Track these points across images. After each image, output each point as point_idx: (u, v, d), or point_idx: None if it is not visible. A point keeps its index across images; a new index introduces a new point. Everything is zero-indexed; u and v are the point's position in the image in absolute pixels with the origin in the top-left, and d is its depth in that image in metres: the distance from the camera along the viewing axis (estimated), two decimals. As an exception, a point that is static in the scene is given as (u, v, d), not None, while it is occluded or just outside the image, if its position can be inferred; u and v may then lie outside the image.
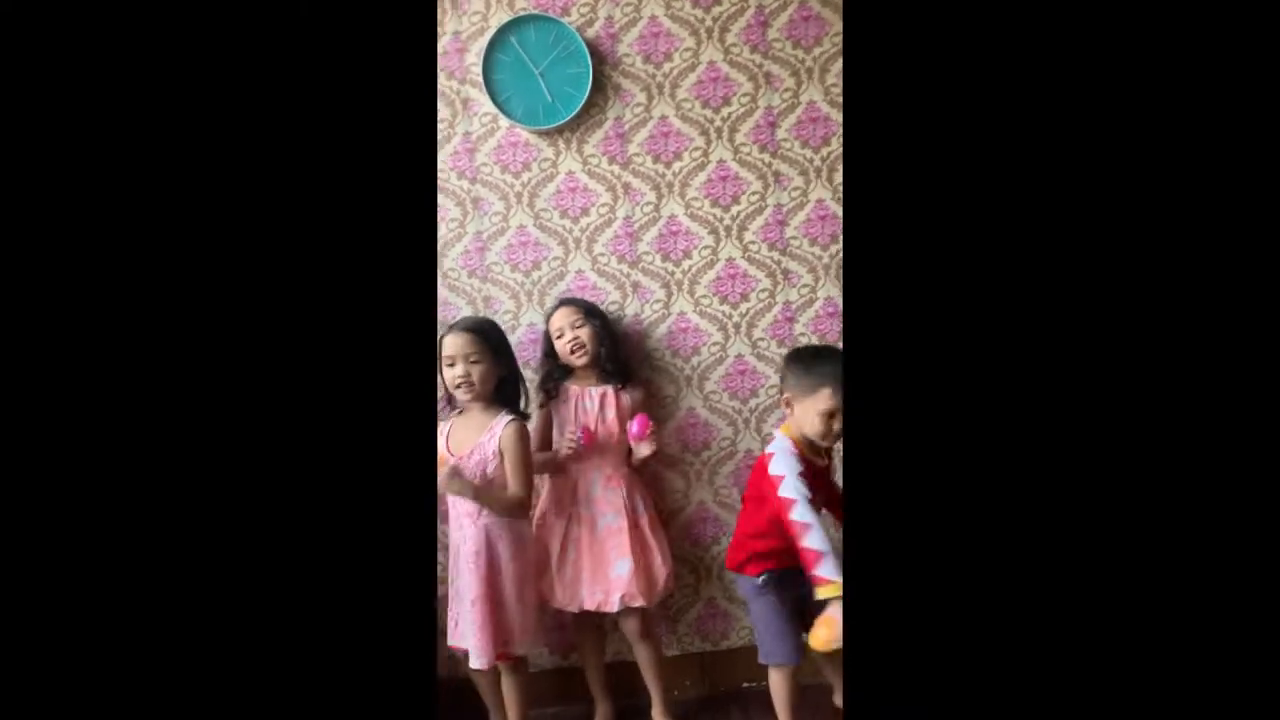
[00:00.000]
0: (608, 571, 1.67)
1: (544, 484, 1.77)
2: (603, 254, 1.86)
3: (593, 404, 1.73)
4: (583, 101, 1.79)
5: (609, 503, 1.70)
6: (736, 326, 1.87)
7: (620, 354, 1.78)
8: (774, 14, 1.82)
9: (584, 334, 1.71)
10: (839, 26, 1.82)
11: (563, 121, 1.80)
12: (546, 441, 1.77)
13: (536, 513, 1.74)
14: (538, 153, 1.84)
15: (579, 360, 1.72)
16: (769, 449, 1.51)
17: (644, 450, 1.70)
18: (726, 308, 1.87)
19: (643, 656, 1.72)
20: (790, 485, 1.42)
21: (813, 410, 1.45)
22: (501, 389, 1.62)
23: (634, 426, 1.68)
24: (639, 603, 1.65)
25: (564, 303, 1.77)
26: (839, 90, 1.83)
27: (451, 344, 1.56)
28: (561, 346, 1.73)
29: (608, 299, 1.85)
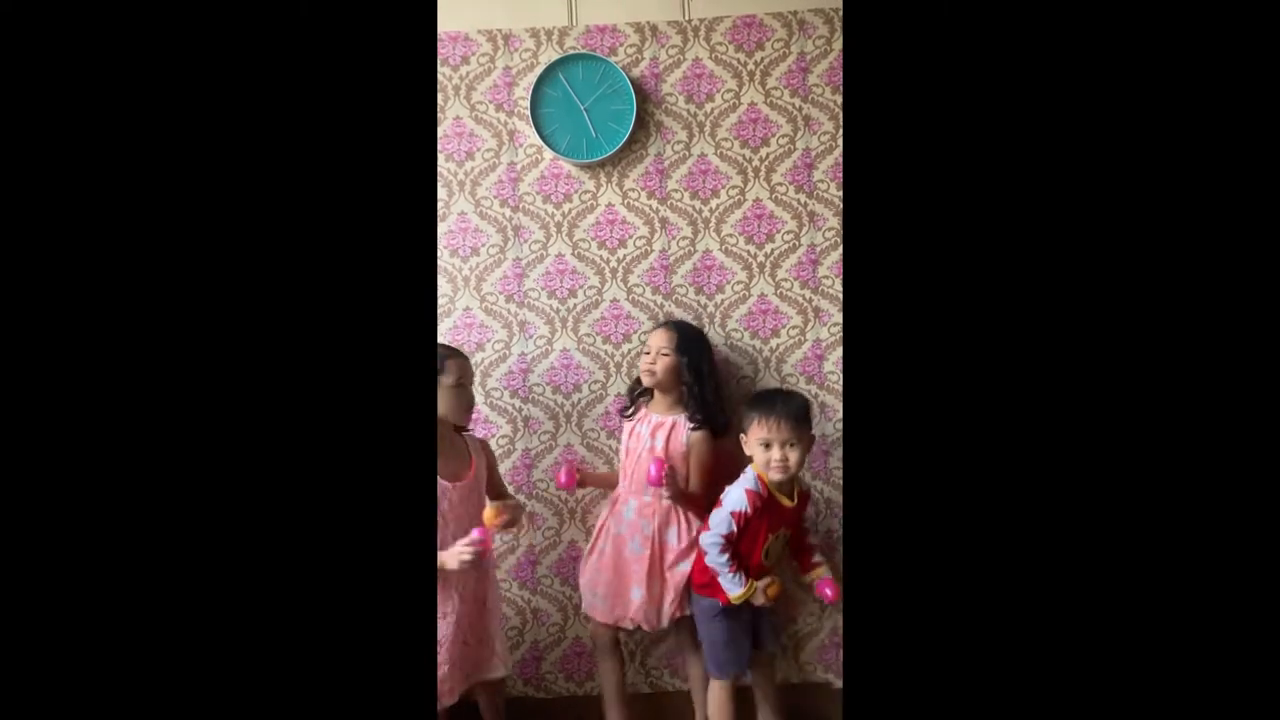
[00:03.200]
0: (626, 594, 1.71)
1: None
2: (638, 284, 1.90)
3: (647, 429, 1.75)
4: (625, 137, 1.85)
5: (639, 530, 1.71)
6: (767, 361, 1.89)
7: (706, 393, 1.71)
8: (814, 60, 1.88)
9: (664, 363, 1.70)
10: (878, 74, 1.86)
11: (605, 156, 1.86)
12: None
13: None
14: (579, 185, 1.90)
15: (647, 380, 1.74)
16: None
17: (664, 495, 1.67)
18: (758, 343, 1.89)
19: (695, 674, 1.78)
20: (718, 519, 1.58)
21: (752, 441, 1.58)
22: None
23: (651, 469, 1.62)
24: (645, 628, 1.71)
25: (669, 325, 1.76)
26: (876, 135, 1.87)
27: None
28: (642, 363, 1.75)
29: (640, 328, 1.88)
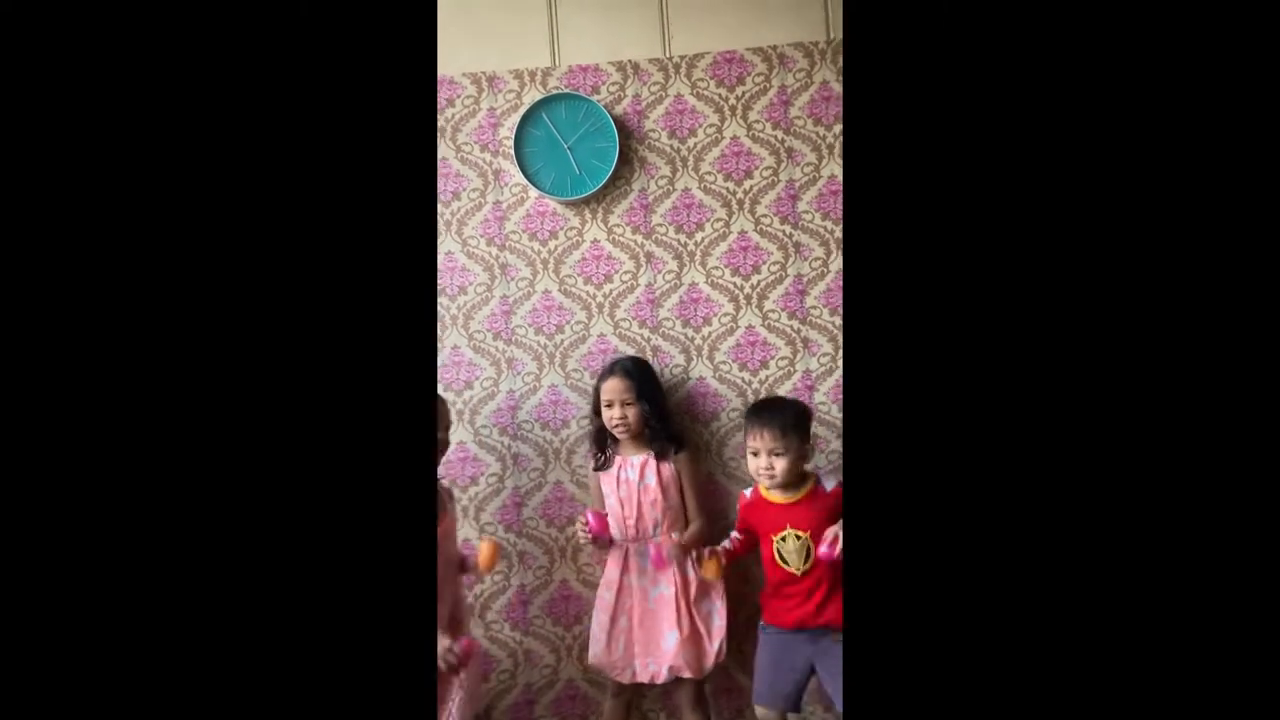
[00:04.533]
0: (660, 642, 1.65)
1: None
2: (624, 319, 1.90)
3: (634, 473, 1.73)
4: (609, 174, 1.86)
5: (660, 572, 1.67)
6: (756, 393, 1.87)
7: (670, 427, 1.76)
8: (795, 93, 1.89)
9: (631, 414, 1.71)
10: (859, 105, 1.88)
11: (590, 192, 1.87)
12: (602, 504, 1.77)
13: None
14: (565, 221, 1.91)
15: (620, 435, 1.73)
16: None
17: (671, 558, 1.65)
18: (747, 374, 1.88)
19: None
20: None
21: (746, 450, 1.65)
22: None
23: (652, 555, 1.64)
24: (687, 674, 1.63)
25: (620, 372, 1.73)
26: (859, 165, 1.87)
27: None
28: (608, 417, 1.73)
29: (628, 363, 1.88)
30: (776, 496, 1.63)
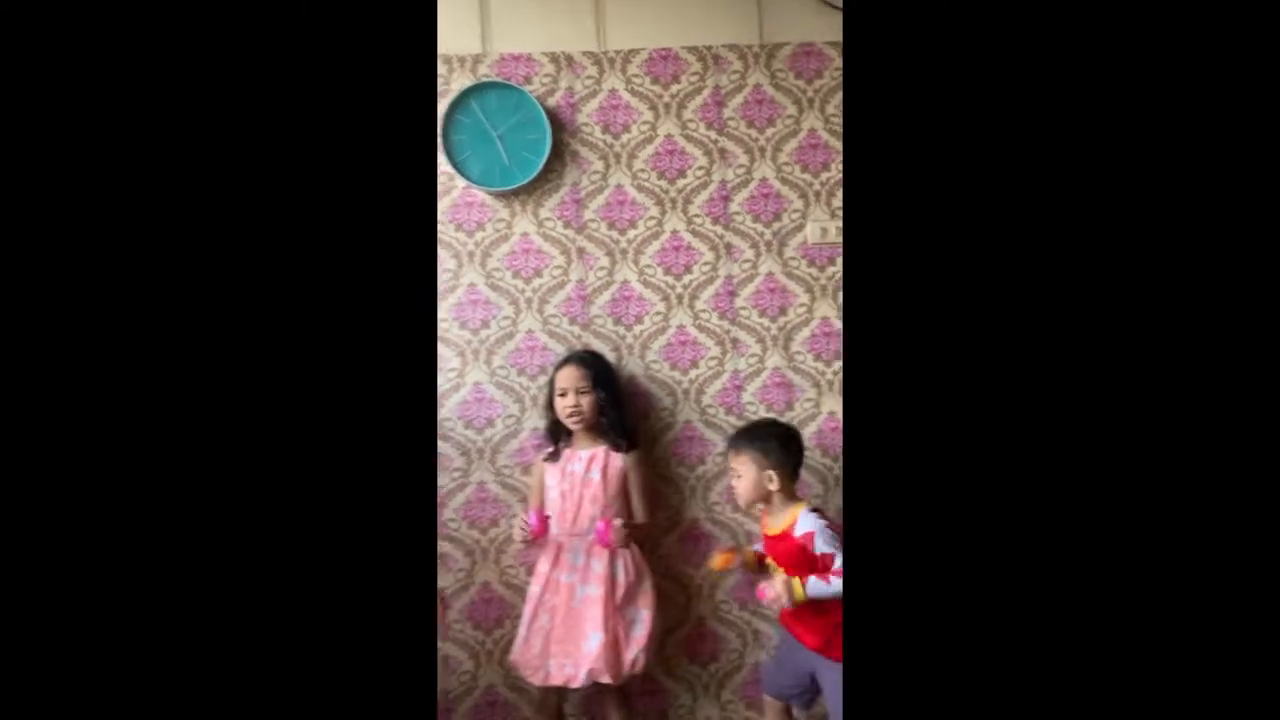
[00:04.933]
0: (580, 644, 1.58)
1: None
2: (554, 315, 1.86)
3: (580, 466, 1.68)
4: (540, 166, 1.82)
5: (590, 570, 1.63)
6: (686, 392, 1.87)
7: (624, 419, 1.72)
8: (729, 94, 1.89)
9: (586, 401, 1.67)
10: (791, 110, 1.90)
11: (520, 185, 1.82)
12: (542, 498, 1.72)
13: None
14: (493, 213, 1.85)
15: (573, 425, 1.69)
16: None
17: (616, 544, 1.60)
18: (677, 374, 1.87)
19: None
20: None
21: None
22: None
23: (600, 528, 1.57)
24: (605, 678, 1.57)
25: (576, 361, 1.71)
26: (790, 168, 1.90)
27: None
28: (560, 406, 1.68)
29: (556, 359, 1.83)
30: (766, 523, 1.60)
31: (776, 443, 1.57)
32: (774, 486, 1.55)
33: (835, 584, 1.42)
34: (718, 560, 1.61)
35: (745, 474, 1.56)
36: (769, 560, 1.60)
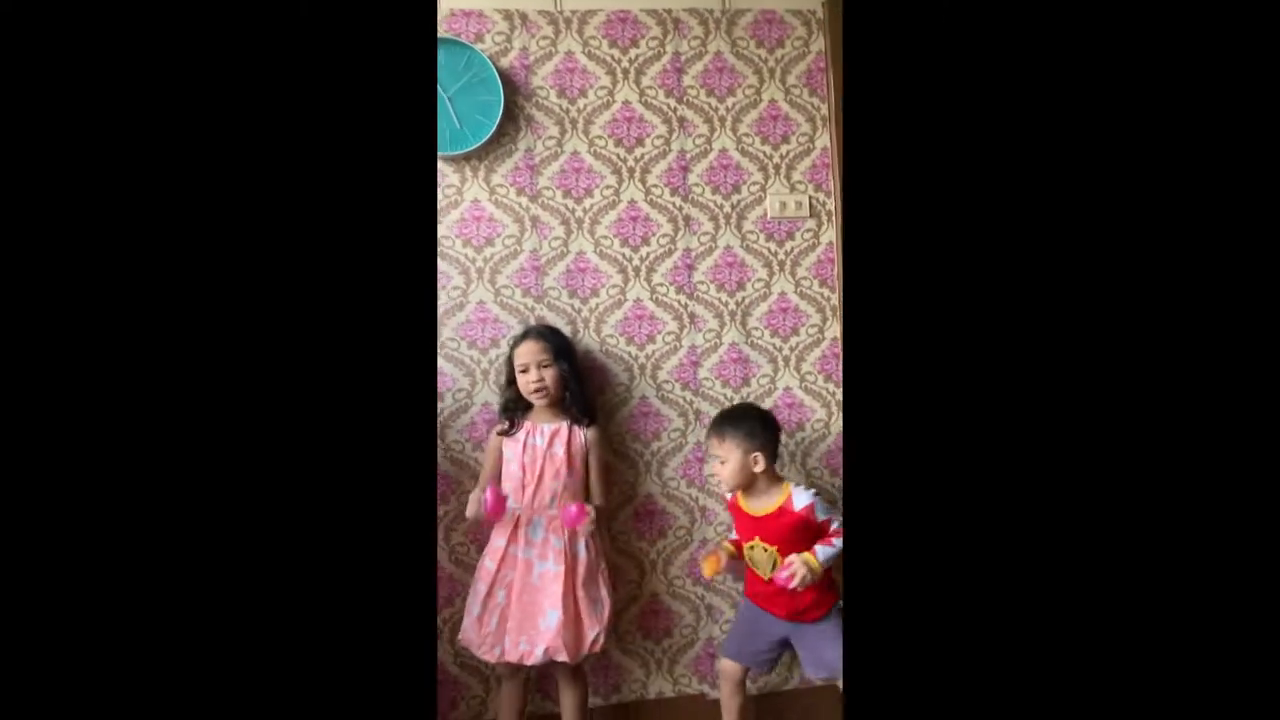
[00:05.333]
0: (537, 621, 1.55)
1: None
2: (506, 286, 1.79)
3: (542, 440, 1.63)
4: (492, 130, 1.74)
5: (550, 547, 1.59)
6: (642, 368, 1.83)
7: (585, 393, 1.69)
8: (689, 62, 1.84)
9: (549, 375, 1.62)
10: (752, 79, 1.86)
11: (470, 149, 1.74)
12: (497, 473, 1.66)
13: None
14: (442, 178, 1.77)
15: (538, 400, 1.64)
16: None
17: (583, 533, 1.59)
18: (633, 349, 1.83)
19: (568, 704, 1.65)
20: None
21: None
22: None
23: (571, 510, 1.54)
24: (563, 657, 1.54)
25: (534, 335, 1.66)
26: (750, 139, 1.86)
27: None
28: (523, 383, 1.63)
29: (510, 332, 1.77)
30: (747, 505, 1.59)
31: (759, 424, 1.58)
32: (759, 468, 1.55)
33: (837, 543, 1.50)
34: (708, 566, 1.60)
35: (730, 458, 1.55)
36: (751, 543, 1.59)
